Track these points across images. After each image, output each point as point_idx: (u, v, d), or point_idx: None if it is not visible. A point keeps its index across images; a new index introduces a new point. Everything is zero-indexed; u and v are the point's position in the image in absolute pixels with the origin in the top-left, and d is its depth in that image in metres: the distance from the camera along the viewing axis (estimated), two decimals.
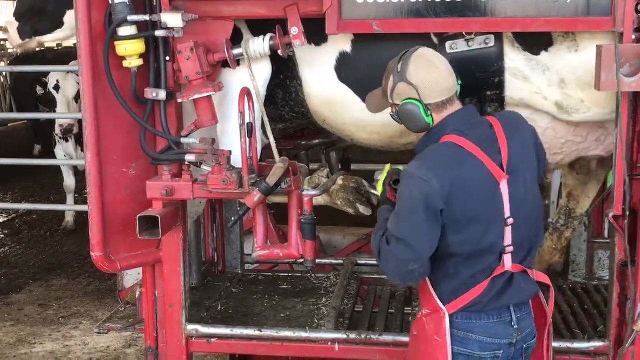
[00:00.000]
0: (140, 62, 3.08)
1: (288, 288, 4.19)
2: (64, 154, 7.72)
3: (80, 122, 7.04)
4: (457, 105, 2.69)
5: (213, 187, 3.03)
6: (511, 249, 2.59)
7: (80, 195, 8.99)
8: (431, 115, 2.62)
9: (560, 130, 3.30)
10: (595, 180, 3.90)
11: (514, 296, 2.62)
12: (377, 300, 4.08)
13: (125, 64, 3.07)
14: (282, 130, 3.54)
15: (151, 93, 3.12)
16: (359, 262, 4.44)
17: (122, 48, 3.03)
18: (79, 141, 7.64)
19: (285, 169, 3.01)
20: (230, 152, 3.06)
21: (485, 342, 2.60)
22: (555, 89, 3.15)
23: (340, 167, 4.45)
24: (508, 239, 2.58)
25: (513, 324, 2.63)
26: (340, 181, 3.34)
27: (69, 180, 8.04)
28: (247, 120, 2.96)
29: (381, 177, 2.91)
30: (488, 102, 3.23)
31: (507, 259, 2.59)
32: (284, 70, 3.32)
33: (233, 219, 3.14)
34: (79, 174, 8.32)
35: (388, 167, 2.91)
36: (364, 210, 3.26)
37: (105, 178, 3.13)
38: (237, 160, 3.08)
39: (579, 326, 3.63)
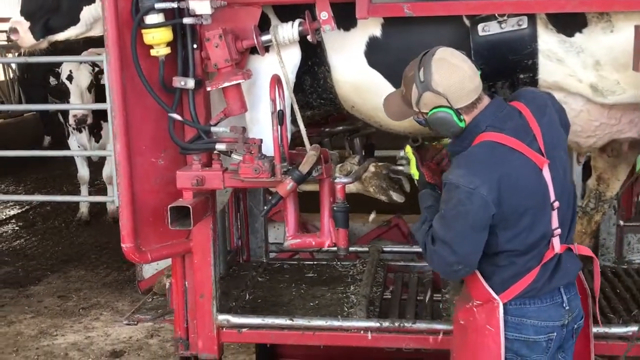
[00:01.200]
0: (167, 50, 3.05)
1: (314, 276, 4.19)
2: (78, 145, 7.68)
3: (94, 112, 7.07)
4: (486, 100, 2.65)
5: (245, 175, 3.01)
6: (559, 231, 2.60)
7: (93, 186, 8.98)
8: (463, 118, 2.59)
9: (594, 113, 3.27)
10: (625, 162, 3.87)
11: (563, 277, 2.63)
12: (404, 288, 4.08)
13: (153, 52, 3.05)
14: (309, 117, 3.52)
15: (179, 82, 3.10)
16: (385, 249, 4.45)
17: (149, 36, 3.01)
18: (93, 132, 7.61)
19: (318, 157, 2.99)
20: (261, 140, 3.03)
21: (539, 325, 2.60)
22: (589, 70, 3.12)
23: (364, 153, 4.43)
24: (555, 221, 2.59)
25: (564, 305, 2.65)
26: (372, 168, 3.32)
27: (83, 171, 8.02)
28: (278, 107, 2.94)
29: (411, 162, 2.89)
30: (521, 85, 3.20)
31: (556, 242, 2.60)
32: (312, 57, 3.31)
33: (265, 207, 3.10)
34: (93, 165, 8.32)
35: (409, 149, 2.89)
36: (397, 197, 3.25)
37: (134, 168, 3.12)
38: (267, 148, 3.07)
39: (612, 310, 3.60)
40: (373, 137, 4.54)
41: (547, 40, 3.10)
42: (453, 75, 2.56)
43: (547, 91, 2.92)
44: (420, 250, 4.44)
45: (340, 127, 4.24)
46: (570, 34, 3.08)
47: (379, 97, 3.21)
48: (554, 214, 2.58)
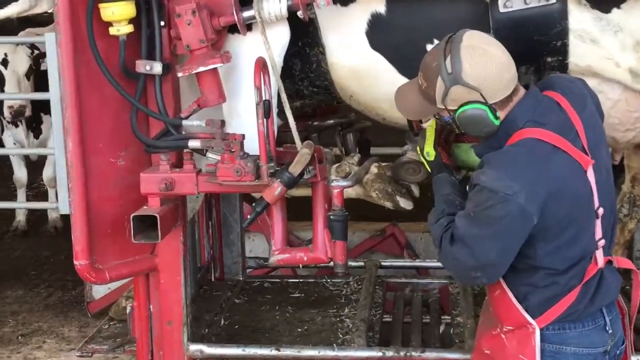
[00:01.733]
0: (130, 28, 2.99)
1: (301, 297, 4.17)
2: (14, 142, 7.50)
3: (33, 103, 6.90)
4: (521, 91, 2.59)
5: (224, 178, 2.94)
6: (602, 242, 2.56)
7: (31, 190, 8.80)
8: (499, 114, 2.53)
9: (633, 103, 3.23)
10: None
11: (606, 296, 2.59)
12: (407, 309, 4.07)
13: (112, 31, 2.98)
14: (298, 108, 3.45)
15: (144, 66, 3.03)
16: (383, 263, 4.43)
17: (108, 12, 2.94)
18: (31, 126, 7.43)
19: (311, 156, 2.93)
20: (243, 136, 2.97)
21: (581, 353, 2.56)
22: (629, 53, 3.09)
23: (357, 150, 4.44)
24: (599, 231, 2.55)
25: (607, 328, 2.60)
26: (374, 169, 3.26)
27: (20, 173, 7.83)
28: (264, 96, 2.88)
29: (428, 138, 2.83)
30: (548, 70, 3.16)
31: (599, 255, 2.56)
32: (303, 36, 3.25)
33: (249, 217, 3.00)
34: (31, 165, 8.14)
35: (433, 123, 2.82)
36: (404, 203, 3.18)
37: (89, 171, 3.05)
38: (250, 146, 3.00)
39: None
40: (368, 131, 4.55)
41: (580, 18, 3.07)
42: (488, 65, 2.49)
43: (579, 78, 2.88)
44: (423, 264, 4.64)
45: (331, 121, 4.27)
46: (606, 9, 3.05)
47: (382, 85, 3.24)
48: (598, 222, 2.53)
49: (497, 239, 2.44)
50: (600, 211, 2.53)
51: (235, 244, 4.34)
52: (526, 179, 2.41)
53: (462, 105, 2.51)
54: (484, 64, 2.49)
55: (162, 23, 3.02)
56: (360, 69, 3.26)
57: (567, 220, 2.47)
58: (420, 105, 2.66)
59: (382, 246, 5.62)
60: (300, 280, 4.34)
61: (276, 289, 4.26)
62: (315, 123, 4.22)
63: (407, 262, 4.67)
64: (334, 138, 4.43)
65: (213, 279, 4.33)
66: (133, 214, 3.00)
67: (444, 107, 2.57)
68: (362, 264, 4.39)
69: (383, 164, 3.27)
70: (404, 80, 3.14)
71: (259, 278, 4.43)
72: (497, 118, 2.52)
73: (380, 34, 3.17)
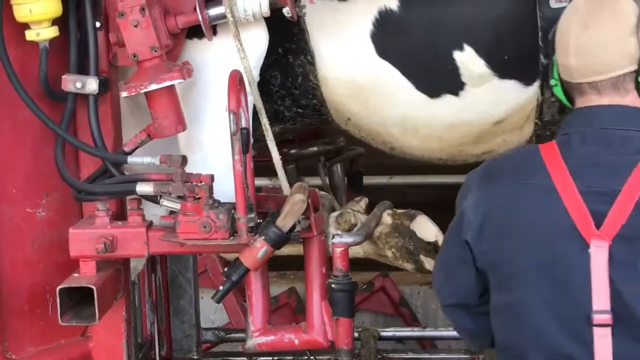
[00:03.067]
0: (54, 32, 2.87)
1: None
2: None
3: None
4: None
5: (186, 236, 2.77)
6: None
7: None
8: None
9: None
10: None
11: None
12: None
13: (30, 35, 2.85)
14: (277, 135, 3.32)
15: (73, 83, 2.90)
16: (383, 334, 4.26)
17: (24, 10, 2.83)
18: None
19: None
20: (212, 177, 2.82)
21: None
22: None
23: (347, 184, 4.40)
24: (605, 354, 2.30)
25: None
26: (388, 218, 3.13)
27: None
28: (242, 124, 2.73)
29: None
30: None
31: None
32: (285, 41, 3.18)
33: (221, 288, 2.84)
34: None
35: None
36: (430, 265, 3.06)
37: None
38: (217, 189, 2.87)
39: None
40: (359, 161, 4.44)
41: None
42: None
43: None
44: (436, 334, 4.50)
45: (314, 148, 4.18)
46: None
47: (393, 104, 3.21)
48: (599, 334, 2.28)
49: (442, 245, 2.63)
50: (603, 319, 2.29)
51: (187, 312, 4.16)
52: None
53: None
54: None
55: (98, 24, 2.93)
56: (363, 83, 3.19)
57: (515, 268, 2.38)
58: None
59: (370, 303, 5.60)
60: (275, 358, 4.13)
61: None
62: (293, 151, 4.07)
63: (416, 332, 4.59)
64: (315, 169, 4.31)
65: (158, 359, 4.12)
66: (60, 286, 2.82)
67: None
68: (356, 334, 4.19)
69: (399, 210, 3.15)
70: (421, 97, 3.10)
71: (220, 356, 4.31)
72: None
73: (391, 37, 3.11)
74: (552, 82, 2.48)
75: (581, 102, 2.42)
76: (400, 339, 4.51)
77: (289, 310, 5.32)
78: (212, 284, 5.26)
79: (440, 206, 3.63)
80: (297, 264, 5.33)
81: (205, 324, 4.46)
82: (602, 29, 2.36)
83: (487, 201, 2.43)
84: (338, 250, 2.87)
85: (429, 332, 4.50)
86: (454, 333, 4.27)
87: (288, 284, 5.47)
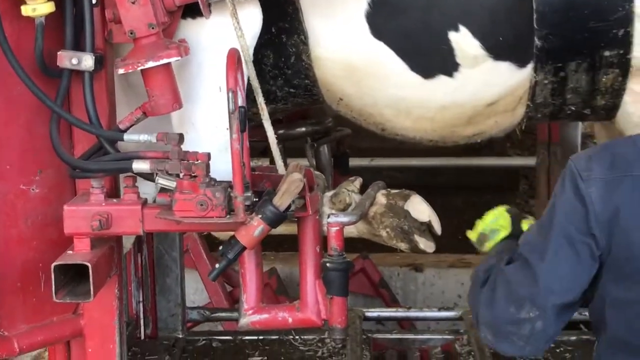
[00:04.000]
0: (50, 7, 2.80)
1: None
2: None
3: None
4: None
5: (183, 213, 2.74)
6: None
7: None
8: None
9: None
10: None
11: None
12: None
13: (26, 10, 2.79)
14: (268, 114, 3.26)
15: (69, 59, 2.85)
16: (368, 314, 4.32)
17: None
18: None
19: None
20: (208, 155, 2.78)
21: None
22: None
23: (333, 165, 4.43)
24: None
25: None
26: (382, 198, 3.07)
27: None
28: (239, 103, 2.69)
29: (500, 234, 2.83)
30: (604, 68, 3.09)
31: None
32: (278, 20, 3.13)
33: (217, 266, 2.82)
34: None
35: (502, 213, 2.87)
36: (425, 245, 3.02)
37: None
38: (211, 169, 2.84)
39: None
40: (346, 142, 4.44)
41: None
42: None
43: None
44: (421, 315, 4.51)
45: (302, 129, 4.14)
46: None
47: (387, 85, 3.18)
48: None
49: (551, 238, 2.41)
50: None
51: (173, 291, 4.18)
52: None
53: None
54: None
55: (94, 0, 2.85)
56: (357, 64, 3.15)
57: None
58: None
59: (350, 284, 5.45)
60: (260, 337, 4.18)
61: (228, 349, 4.13)
62: (281, 131, 4.00)
63: (401, 312, 4.56)
64: (302, 150, 4.28)
65: (143, 337, 4.17)
66: (55, 263, 2.78)
67: None
68: None
69: (393, 191, 3.10)
70: (415, 78, 3.08)
71: (205, 335, 4.28)
72: None
73: (386, 16, 3.06)
74: None
75: None
76: (385, 320, 4.54)
77: (269, 290, 5.31)
78: (194, 264, 5.27)
79: (420, 188, 3.63)
80: (276, 244, 5.37)
81: (186, 304, 4.47)
82: None
83: (617, 193, 2.35)
84: (333, 229, 2.85)
85: (413, 313, 4.50)
86: (437, 314, 4.36)
87: (269, 265, 5.48)
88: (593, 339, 2.64)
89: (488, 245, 2.79)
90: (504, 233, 2.77)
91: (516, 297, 2.45)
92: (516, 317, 2.45)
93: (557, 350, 3.95)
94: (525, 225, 2.77)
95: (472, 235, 2.85)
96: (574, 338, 4.03)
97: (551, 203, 2.46)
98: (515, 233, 2.75)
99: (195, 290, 5.67)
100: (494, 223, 2.80)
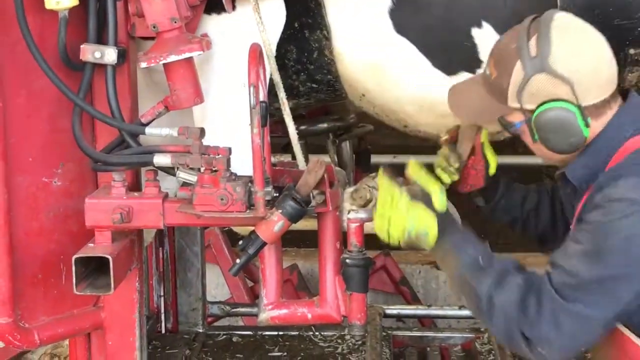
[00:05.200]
0: (73, 0, 2.81)
1: (282, 356, 4.03)
2: None
3: None
4: (619, 99, 2.58)
5: (203, 207, 2.74)
6: None
7: None
8: (590, 122, 2.47)
9: None
10: None
11: None
12: None
13: (50, 4, 2.79)
14: (290, 110, 3.26)
15: (92, 52, 2.87)
16: (388, 311, 4.33)
17: None
18: None
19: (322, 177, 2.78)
20: (229, 150, 2.78)
21: None
22: None
23: (354, 162, 4.43)
24: None
25: None
26: None
27: None
28: (261, 97, 2.70)
29: (436, 194, 2.67)
30: (629, 65, 3.07)
31: None
32: (301, 15, 3.12)
33: (238, 261, 2.83)
34: None
35: (414, 165, 2.73)
36: None
37: (13, 194, 2.89)
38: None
39: None
40: (367, 138, 4.48)
41: None
42: (585, 52, 2.47)
43: None
44: (441, 313, 4.49)
45: (324, 125, 4.12)
46: None
47: (409, 81, 3.16)
48: None
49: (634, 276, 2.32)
50: None
51: (194, 285, 4.18)
52: None
53: (543, 103, 2.45)
54: (580, 51, 2.47)
55: None
56: (380, 60, 3.14)
57: None
58: (483, 103, 2.60)
59: (371, 281, 5.42)
60: (280, 333, 4.18)
61: (248, 344, 4.10)
62: (303, 127, 4.00)
63: (421, 310, 4.56)
64: (324, 146, 4.29)
65: (164, 332, 4.18)
66: (76, 255, 2.80)
67: (517, 106, 2.50)
68: None
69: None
70: (438, 75, 3.07)
71: (226, 330, 4.28)
72: (587, 126, 2.45)
73: (409, 13, 3.05)
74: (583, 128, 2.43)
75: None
76: (405, 317, 4.54)
77: (290, 286, 5.31)
78: (215, 259, 5.27)
79: None
80: (298, 240, 5.36)
81: (207, 299, 4.47)
82: None
83: None
84: (353, 225, 2.84)
85: (433, 311, 4.49)
86: (458, 312, 4.33)
87: (290, 261, 5.47)
88: None
89: (428, 247, 2.64)
90: (433, 229, 2.60)
91: (588, 330, 2.41)
92: (590, 341, 2.45)
93: None
94: (438, 202, 2.62)
95: (393, 241, 2.67)
96: None
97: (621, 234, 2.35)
98: (440, 216, 2.61)
99: (217, 285, 5.66)
100: (415, 226, 2.61)
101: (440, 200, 2.63)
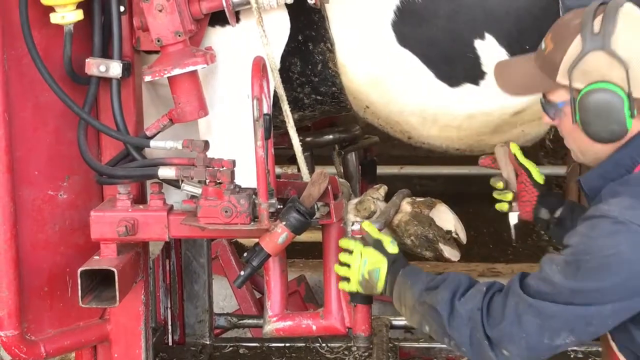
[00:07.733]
0: (78, 15, 2.84)
1: None
2: None
3: None
4: None
5: (208, 220, 2.74)
6: None
7: None
8: (636, 114, 2.37)
9: None
10: None
11: None
12: None
13: (55, 18, 2.83)
14: (296, 122, 3.26)
15: (97, 66, 2.89)
16: (395, 322, 4.29)
17: None
18: None
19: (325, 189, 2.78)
20: (234, 162, 2.79)
21: None
22: None
23: (360, 173, 4.42)
24: None
25: None
26: (407, 207, 3.06)
27: None
28: (264, 110, 2.70)
29: (383, 237, 2.75)
30: None
31: None
32: (305, 28, 3.12)
33: (242, 273, 2.83)
34: None
35: (368, 225, 2.78)
36: (450, 253, 3.00)
37: (19, 207, 2.92)
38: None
39: None
40: (374, 150, 4.41)
41: None
42: None
43: None
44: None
45: (330, 136, 4.12)
46: None
47: (412, 93, 3.15)
48: None
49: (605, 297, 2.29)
50: None
51: (200, 297, 4.18)
52: None
53: (593, 83, 2.36)
54: None
55: (122, 8, 2.90)
56: (383, 72, 3.14)
57: None
58: (529, 78, 2.53)
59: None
60: (287, 344, 4.18)
61: (255, 356, 4.14)
62: (309, 139, 4.02)
63: None
64: (330, 157, 4.28)
65: (171, 343, 4.17)
66: (81, 268, 2.81)
67: (565, 83, 2.41)
68: None
69: (418, 199, 3.09)
70: (441, 86, 3.06)
71: (233, 342, 4.29)
72: (632, 117, 2.37)
73: (412, 25, 3.05)
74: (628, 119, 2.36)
75: None
76: (412, 328, 4.45)
77: (297, 298, 5.30)
78: (222, 271, 5.28)
79: (451, 197, 3.62)
80: (306, 251, 5.35)
81: (215, 310, 4.47)
82: None
83: None
84: (358, 237, 2.81)
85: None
86: None
87: (298, 272, 5.47)
88: None
89: (380, 285, 2.67)
90: (384, 266, 2.66)
91: (550, 328, 2.36)
92: (552, 345, 2.38)
93: None
94: (389, 246, 2.69)
95: (352, 287, 2.72)
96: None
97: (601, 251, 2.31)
98: (391, 257, 2.68)
99: (225, 297, 5.66)
100: (367, 264, 2.67)
101: (391, 243, 2.70)
